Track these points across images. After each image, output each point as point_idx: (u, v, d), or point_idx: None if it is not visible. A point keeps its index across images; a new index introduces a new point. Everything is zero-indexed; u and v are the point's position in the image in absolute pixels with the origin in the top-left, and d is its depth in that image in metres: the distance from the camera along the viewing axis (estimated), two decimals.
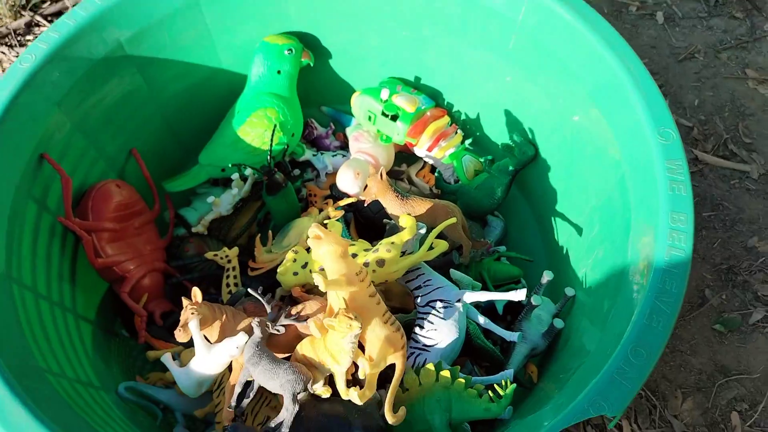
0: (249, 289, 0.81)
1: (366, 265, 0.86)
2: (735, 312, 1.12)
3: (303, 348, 0.79)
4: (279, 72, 1.11)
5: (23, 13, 1.51)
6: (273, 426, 0.74)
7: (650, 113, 0.86)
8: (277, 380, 0.75)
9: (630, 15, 1.51)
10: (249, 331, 0.81)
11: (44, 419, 0.68)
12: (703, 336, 1.10)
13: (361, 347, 0.79)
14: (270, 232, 1.07)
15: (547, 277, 0.96)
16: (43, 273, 0.90)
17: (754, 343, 1.08)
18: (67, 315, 0.92)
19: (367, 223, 1.11)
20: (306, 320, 0.81)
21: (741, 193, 1.24)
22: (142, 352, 1.01)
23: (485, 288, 1.03)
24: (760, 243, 1.18)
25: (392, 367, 0.80)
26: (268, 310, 0.81)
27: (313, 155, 1.20)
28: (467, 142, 1.20)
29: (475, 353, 0.95)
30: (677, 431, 1.02)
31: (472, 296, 0.88)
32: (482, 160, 1.15)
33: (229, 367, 0.85)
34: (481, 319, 0.90)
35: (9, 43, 1.48)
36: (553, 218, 1.09)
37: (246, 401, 0.77)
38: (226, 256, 1.03)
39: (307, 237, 0.97)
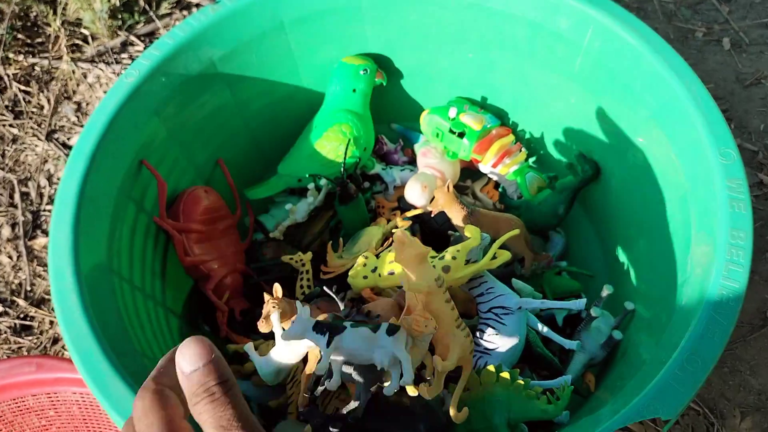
0: (324, 287, 0.88)
1: None
2: None
3: None
4: (354, 90, 1.19)
5: (119, 33, 1.65)
6: (344, 413, 0.80)
7: (711, 133, 0.89)
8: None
9: (696, 41, 1.53)
10: None
11: None
12: (764, 357, 1.10)
13: (430, 349, 0.84)
14: (341, 239, 1.14)
15: (606, 290, 1.00)
16: (139, 268, 0.99)
17: None
18: (158, 308, 1.01)
19: (432, 234, 1.16)
20: (377, 317, 0.86)
21: None
22: (221, 346, 1.09)
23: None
24: None
25: (458, 369, 0.86)
26: (341, 306, 0.87)
27: (383, 169, 1.27)
28: (531, 160, 1.24)
29: (534, 361, 0.98)
30: None
31: (532, 303, 0.93)
32: (545, 177, 1.19)
33: (304, 360, 0.91)
34: (541, 327, 0.94)
35: (106, 61, 1.61)
36: (615, 235, 1.12)
37: (320, 389, 0.83)
38: (301, 260, 1.10)
39: (383, 241, 1.04)
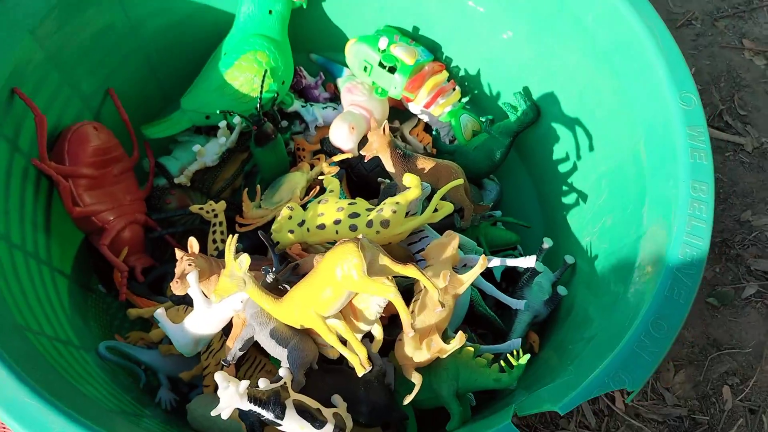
0: (260, 233, 0.76)
1: (369, 225, 0.81)
2: (728, 286, 1.12)
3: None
4: (270, 12, 1.03)
5: None
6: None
7: (672, 76, 0.83)
8: (283, 348, 0.70)
9: None
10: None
11: (24, 378, 0.62)
12: (697, 309, 1.10)
13: None
14: (258, 186, 1.01)
15: (546, 244, 0.94)
16: (17, 221, 0.82)
17: (747, 318, 1.09)
18: (43, 267, 0.85)
19: (360, 181, 1.06)
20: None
21: (735, 166, 1.23)
22: (120, 310, 0.95)
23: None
24: (754, 217, 1.18)
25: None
26: (275, 262, 0.75)
27: (302, 106, 1.13)
28: (465, 100, 1.15)
29: (475, 321, 0.91)
30: (669, 404, 1.02)
31: (475, 260, 0.85)
32: (482, 120, 1.10)
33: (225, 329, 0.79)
34: (487, 287, 0.87)
35: None
36: (554, 184, 1.05)
37: (239, 353, 0.72)
38: (213, 210, 0.96)
39: (308, 189, 0.92)
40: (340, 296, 0.68)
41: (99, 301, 0.96)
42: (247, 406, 0.63)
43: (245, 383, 0.63)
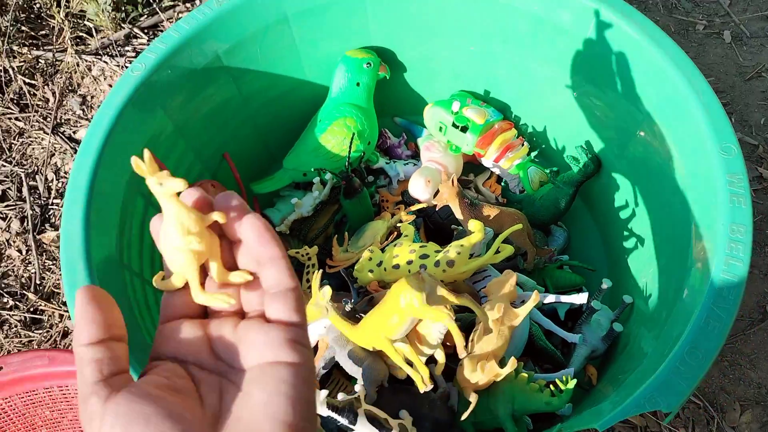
0: (341, 271, 0.89)
1: (437, 264, 0.93)
2: None
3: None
4: (358, 84, 1.20)
5: (123, 25, 1.65)
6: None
7: (712, 128, 0.90)
8: (358, 367, 0.83)
9: (697, 34, 1.54)
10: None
11: None
12: (764, 351, 1.12)
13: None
14: (346, 233, 1.15)
15: (605, 284, 1.01)
16: (149, 263, 1.00)
17: None
18: None
19: (436, 228, 1.18)
20: None
21: None
22: None
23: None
24: None
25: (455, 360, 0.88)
26: (353, 295, 0.89)
27: (386, 163, 1.28)
28: (533, 154, 1.26)
29: (537, 354, 1.00)
30: None
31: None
32: (547, 171, 1.20)
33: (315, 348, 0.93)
34: (545, 321, 0.96)
35: (110, 53, 1.62)
36: (615, 229, 1.13)
37: (323, 371, 0.86)
38: (307, 254, 1.11)
39: (388, 235, 1.05)
40: (404, 322, 0.80)
41: None
42: (326, 412, 0.76)
43: (325, 392, 0.76)
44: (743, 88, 1.43)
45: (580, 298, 0.93)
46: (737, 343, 1.14)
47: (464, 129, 1.19)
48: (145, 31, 1.66)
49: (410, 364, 0.83)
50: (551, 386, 0.85)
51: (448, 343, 0.94)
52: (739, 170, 0.87)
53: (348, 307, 0.86)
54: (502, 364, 0.87)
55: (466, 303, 0.80)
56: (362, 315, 0.87)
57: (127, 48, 1.64)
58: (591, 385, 0.98)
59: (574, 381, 0.84)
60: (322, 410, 0.76)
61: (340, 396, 0.79)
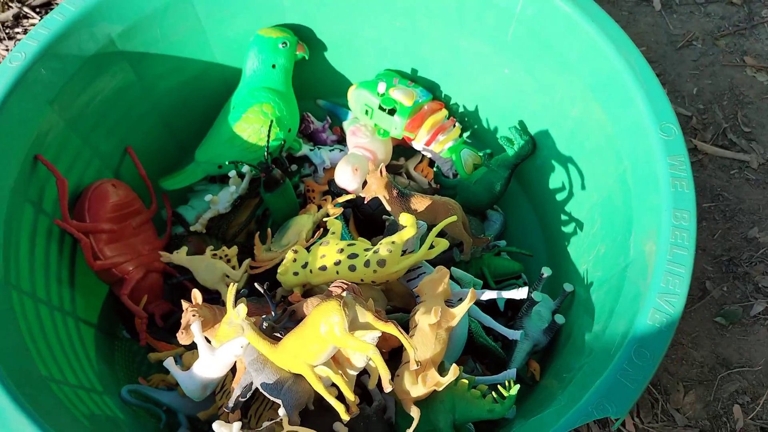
0: (256, 284, 0.80)
1: (367, 265, 0.86)
2: (736, 304, 1.12)
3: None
4: (274, 66, 1.10)
5: (11, 4, 1.49)
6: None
7: (651, 108, 0.85)
8: (278, 391, 0.75)
9: (627, 2, 1.50)
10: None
11: (47, 429, 0.68)
12: (705, 328, 1.10)
13: None
14: (269, 229, 1.06)
15: (545, 273, 0.96)
16: (42, 277, 0.89)
17: (756, 336, 1.09)
18: (68, 319, 0.91)
19: (366, 219, 1.10)
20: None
21: (741, 183, 1.23)
22: (144, 354, 1.01)
23: (486, 284, 1.03)
24: (761, 234, 1.18)
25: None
26: (273, 310, 0.80)
27: (310, 150, 1.19)
28: (465, 135, 1.19)
29: (477, 351, 0.95)
30: (680, 425, 1.03)
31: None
32: (481, 154, 1.14)
33: (233, 369, 0.84)
34: (485, 318, 0.90)
35: None
36: (553, 213, 1.08)
37: (241, 400, 0.77)
38: (226, 255, 1.02)
39: (314, 231, 0.97)
40: (325, 349, 0.72)
41: (124, 347, 1.03)
42: None
43: (237, 425, 0.68)
44: (674, 58, 1.40)
45: (520, 293, 0.88)
46: (679, 321, 1.12)
47: (392, 111, 1.11)
48: (37, 10, 1.50)
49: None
50: (493, 393, 0.79)
51: (383, 350, 0.87)
52: (680, 151, 0.83)
53: (265, 325, 0.78)
54: (441, 369, 0.81)
55: (392, 331, 0.72)
56: (281, 335, 0.79)
57: (16, 30, 1.47)
58: (534, 380, 0.94)
59: (517, 386, 0.78)
60: None
61: (265, 424, 0.71)
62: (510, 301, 1.02)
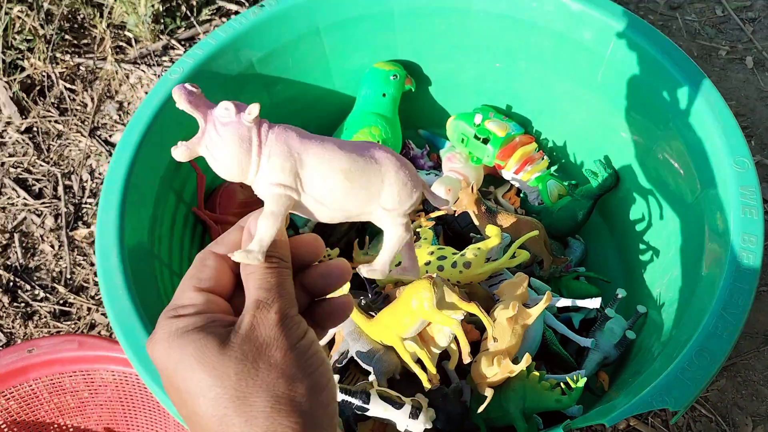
0: (358, 270, 0.93)
1: (454, 265, 0.96)
2: None
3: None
4: (384, 95, 1.24)
5: (161, 37, 1.72)
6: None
7: (726, 142, 0.93)
8: (370, 359, 0.86)
9: (720, 59, 1.57)
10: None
11: None
12: None
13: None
14: (366, 237, 1.19)
15: (620, 293, 1.03)
16: (177, 254, 1.05)
17: None
18: None
19: (455, 236, 1.21)
20: None
21: None
22: None
23: None
24: None
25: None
26: (369, 292, 0.92)
27: None
28: (553, 168, 1.28)
29: (550, 359, 1.02)
30: None
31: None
32: (566, 184, 1.23)
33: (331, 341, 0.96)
34: (558, 325, 0.98)
35: (148, 63, 1.69)
36: (632, 242, 1.15)
37: (337, 366, 0.89)
38: (328, 256, 1.15)
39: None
40: (414, 323, 0.83)
41: None
42: (339, 396, 0.79)
43: (336, 377, 0.79)
44: (764, 113, 1.45)
45: (593, 303, 0.96)
46: (751, 359, 1.15)
47: (485, 141, 1.23)
48: (182, 42, 1.73)
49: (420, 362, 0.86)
50: (561, 384, 0.87)
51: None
52: (751, 183, 0.90)
53: (362, 302, 0.90)
54: (515, 362, 0.89)
55: (474, 310, 0.82)
56: (375, 312, 0.90)
57: (164, 58, 1.71)
58: (603, 391, 1.00)
59: (584, 379, 0.86)
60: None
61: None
62: (584, 322, 1.09)
